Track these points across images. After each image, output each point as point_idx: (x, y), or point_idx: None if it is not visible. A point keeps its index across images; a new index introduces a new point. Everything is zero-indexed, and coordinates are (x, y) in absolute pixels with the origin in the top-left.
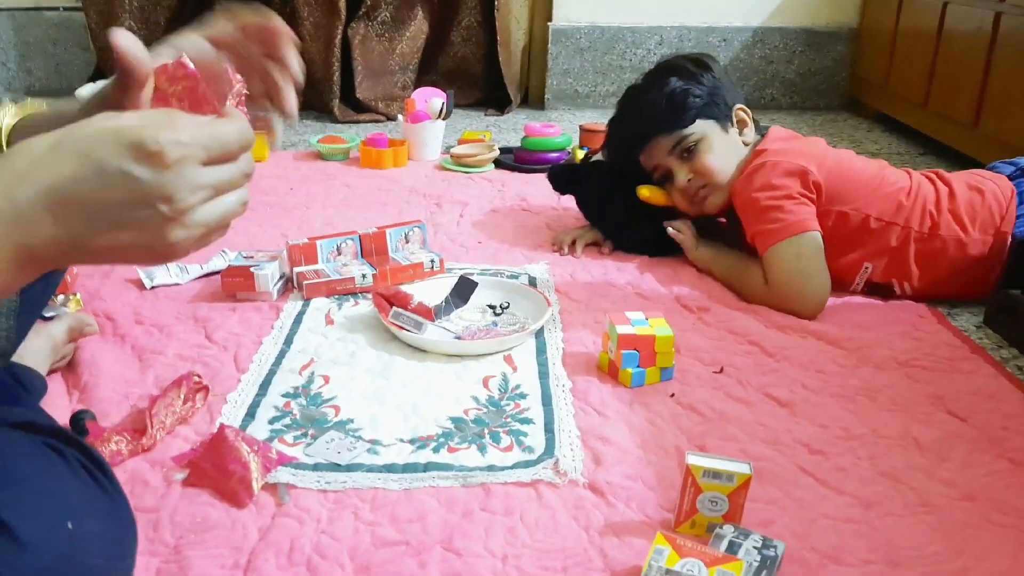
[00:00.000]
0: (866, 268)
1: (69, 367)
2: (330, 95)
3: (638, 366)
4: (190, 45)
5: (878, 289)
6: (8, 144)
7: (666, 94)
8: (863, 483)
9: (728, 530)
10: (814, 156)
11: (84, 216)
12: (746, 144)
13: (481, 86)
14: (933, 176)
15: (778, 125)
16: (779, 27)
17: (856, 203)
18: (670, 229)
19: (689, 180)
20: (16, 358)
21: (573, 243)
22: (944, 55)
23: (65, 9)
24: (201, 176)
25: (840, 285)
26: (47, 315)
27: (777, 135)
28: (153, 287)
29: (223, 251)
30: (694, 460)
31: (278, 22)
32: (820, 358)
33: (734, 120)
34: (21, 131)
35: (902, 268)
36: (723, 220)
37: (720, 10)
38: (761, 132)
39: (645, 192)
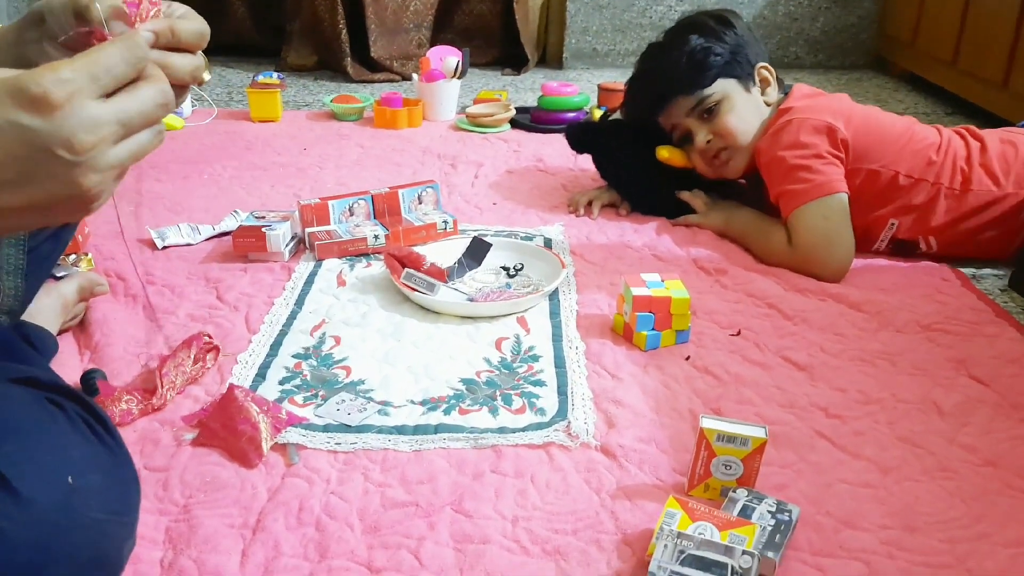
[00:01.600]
0: (892, 224)
1: (80, 327)
2: (341, 54)
3: (653, 328)
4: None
5: (902, 247)
6: None
7: (686, 52)
8: (881, 448)
9: (742, 494)
10: (841, 112)
11: None
12: (768, 104)
13: (498, 45)
14: (964, 131)
15: (802, 83)
16: None
17: (885, 160)
18: (684, 195)
19: (709, 141)
20: (27, 317)
21: (589, 204)
22: (974, 12)
23: None
24: (98, 111)
25: (864, 242)
26: (58, 275)
27: (801, 92)
28: (165, 247)
29: (235, 211)
30: (708, 423)
31: None
32: (840, 321)
33: (756, 79)
34: None
35: (929, 224)
36: (743, 180)
37: None
38: (785, 91)
39: (664, 153)
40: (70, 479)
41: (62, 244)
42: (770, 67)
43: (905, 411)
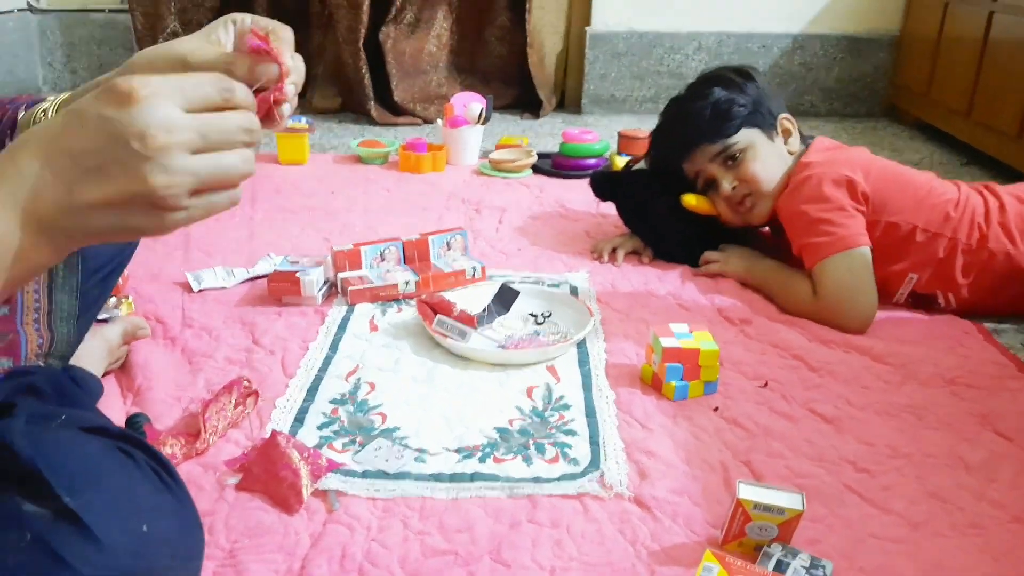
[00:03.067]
0: (911, 278)
1: (122, 369)
2: (364, 97)
3: (682, 379)
4: (187, 50)
5: (921, 301)
6: None
7: (711, 103)
8: (910, 502)
9: (776, 549)
10: (860, 165)
11: (71, 164)
12: (791, 153)
13: (516, 87)
14: (982, 188)
15: (817, 132)
16: (819, 34)
17: (904, 213)
18: (706, 254)
19: (734, 188)
20: (73, 360)
21: (613, 251)
22: (989, 64)
23: (111, 11)
24: (177, 117)
25: (883, 295)
26: (101, 317)
27: (821, 145)
28: (200, 290)
29: (269, 255)
30: (745, 493)
31: (276, 26)
32: (864, 374)
33: (779, 129)
34: (66, 105)
35: (948, 279)
36: (766, 230)
37: (760, 16)
38: (805, 142)
39: (691, 200)
40: (144, 527)
41: (109, 288)
42: (791, 118)
43: (932, 466)
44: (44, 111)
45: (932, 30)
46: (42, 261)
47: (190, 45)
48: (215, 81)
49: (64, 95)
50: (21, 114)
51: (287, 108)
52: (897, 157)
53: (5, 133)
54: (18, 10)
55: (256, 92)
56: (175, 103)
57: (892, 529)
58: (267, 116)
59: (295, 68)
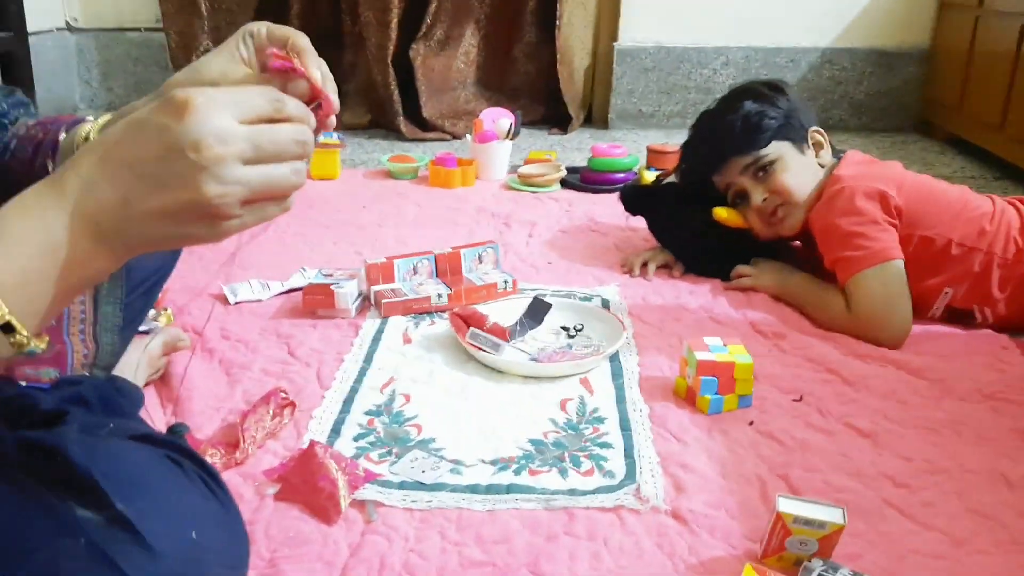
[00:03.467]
0: (946, 293)
1: (162, 380)
2: (394, 113)
3: (716, 393)
4: (218, 73)
5: (957, 315)
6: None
7: (741, 116)
8: (951, 519)
9: (817, 564)
10: (893, 179)
11: (129, 173)
12: (822, 166)
13: (544, 103)
14: (1017, 203)
15: (847, 147)
16: (848, 48)
17: (938, 227)
18: (737, 268)
19: (765, 200)
20: (115, 371)
21: (644, 265)
22: (1022, 76)
23: (146, 29)
24: (231, 128)
25: (919, 310)
26: (142, 329)
27: (854, 159)
28: (237, 303)
29: (303, 269)
30: (785, 506)
31: (299, 39)
32: (901, 388)
33: (810, 142)
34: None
35: (984, 294)
36: (798, 243)
37: (788, 31)
38: (837, 156)
39: (723, 213)
40: (194, 534)
41: (151, 300)
42: (822, 131)
43: (973, 482)
44: (87, 134)
45: (963, 43)
46: (100, 268)
47: (218, 67)
48: (267, 94)
49: (105, 117)
50: (62, 136)
51: (333, 119)
52: (929, 171)
53: (47, 154)
54: (57, 29)
55: None
56: (230, 114)
57: (934, 546)
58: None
59: (325, 75)
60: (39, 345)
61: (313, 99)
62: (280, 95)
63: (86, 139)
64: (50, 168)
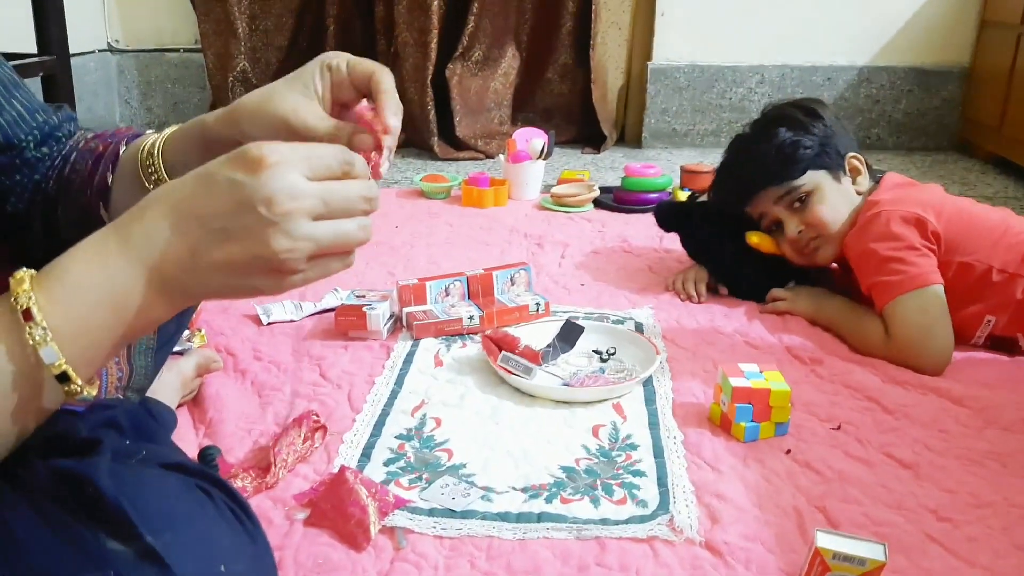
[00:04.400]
0: (988, 321)
1: (195, 401)
2: (428, 133)
3: (752, 420)
4: (290, 109)
5: (1001, 343)
6: (164, 155)
7: (775, 145)
8: (996, 555)
9: None
10: (932, 205)
11: (198, 225)
12: (860, 193)
13: (577, 123)
14: None
15: (885, 166)
16: (886, 66)
17: (978, 254)
18: (773, 291)
19: (800, 232)
20: (149, 392)
21: (695, 288)
22: None
23: (185, 51)
24: (303, 185)
25: (960, 338)
26: (176, 350)
27: (891, 182)
28: (270, 323)
29: (335, 289)
30: (824, 541)
31: (383, 77)
32: (943, 417)
33: (846, 169)
34: (172, 143)
35: None
36: (835, 267)
37: (824, 49)
38: (875, 179)
39: (755, 239)
40: (223, 567)
41: (184, 322)
42: (860, 156)
43: (1020, 517)
44: (151, 146)
45: (1005, 62)
46: (159, 316)
47: (292, 102)
48: (338, 154)
49: (171, 129)
50: (123, 148)
51: (385, 166)
52: (969, 191)
53: (107, 167)
54: (99, 51)
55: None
56: (300, 171)
57: None
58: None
59: (394, 129)
60: (91, 392)
61: (376, 148)
62: (351, 156)
63: (150, 153)
64: (109, 180)
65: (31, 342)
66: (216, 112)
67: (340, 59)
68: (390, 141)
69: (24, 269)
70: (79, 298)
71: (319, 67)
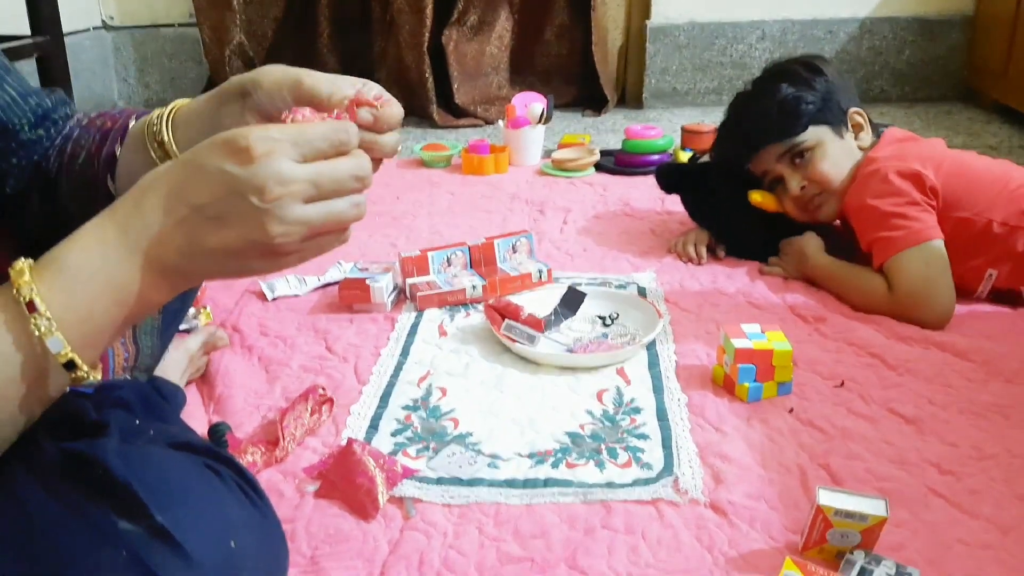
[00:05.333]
0: (990, 275)
1: (203, 378)
2: (427, 101)
3: (755, 380)
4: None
5: (1004, 295)
6: (175, 123)
7: (777, 101)
8: (999, 506)
9: (859, 556)
10: (931, 159)
11: (192, 212)
12: (862, 149)
13: (576, 85)
14: None
15: (889, 118)
16: (888, 17)
17: (977, 207)
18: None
19: (803, 188)
20: (157, 371)
21: (696, 250)
22: None
23: (180, 25)
24: (292, 170)
25: (962, 292)
26: (181, 328)
27: (892, 137)
28: (275, 299)
29: (339, 263)
30: (826, 499)
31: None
32: (946, 371)
33: (849, 124)
34: (184, 114)
35: None
36: (838, 223)
37: (825, 2)
38: (878, 133)
39: (757, 197)
40: (232, 543)
41: (189, 301)
42: (863, 112)
43: (1021, 468)
44: (160, 116)
45: (1009, 8)
46: (160, 299)
47: (313, 76)
48: (328, 133)
49: (180, 101)
50: (132, 122)
51: (392, 137)
52: (975, 141)
53: (116, 140)
54: (93, 28)
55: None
56: (289, 156)
57: (980, 535)
58: None
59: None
60: (97, 376)
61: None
62: (345, 133)
63: (156, 124)
64: (117, 152)
65: (37, 333)
66: (238, 77)
67: (371, 85)
68: (396, 112)
69: (23, 259)
70: (80, 286)
71: (351, 81)
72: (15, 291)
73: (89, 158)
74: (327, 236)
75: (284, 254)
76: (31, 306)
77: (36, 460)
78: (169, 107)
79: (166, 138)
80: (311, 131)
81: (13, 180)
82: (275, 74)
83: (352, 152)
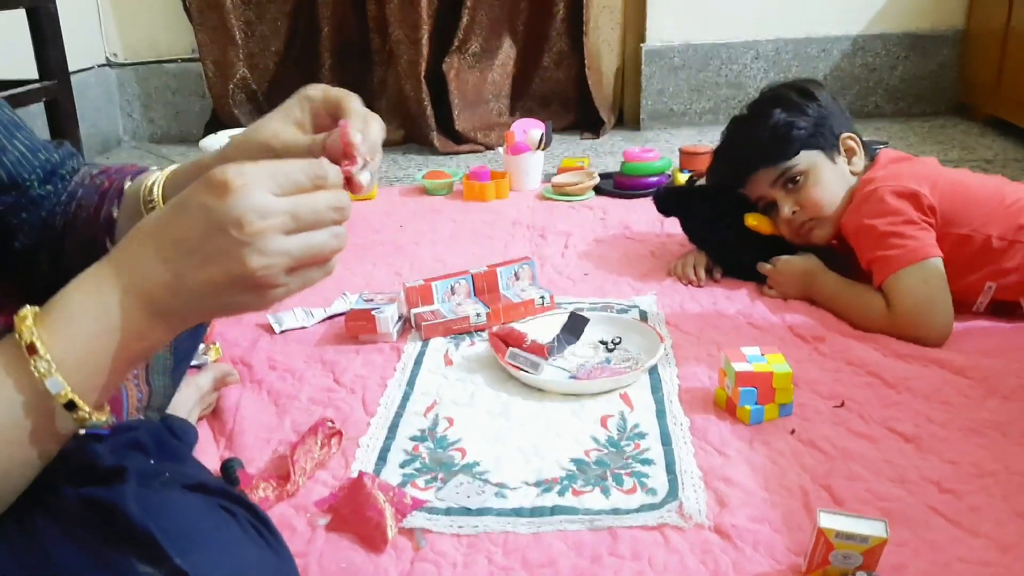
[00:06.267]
0: (989, 288)
1: (214, 414)
2: (427, 128)
3: (756, 403)
4: (270, 133)
5: (1003, 308)
6: (165, 191)
7: (770, 127)
8: (999, 524)
9: None
10: (926, 178)
11: (177, 251)
12: (855, 173)
13: (575, 109)
14: None
15: (884, 134)
16: (880, 33)
17: (974, 224)
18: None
19: (794, 213)
20: (169, 409)
21: (695, 272)
22: None
23: (183, 60)
24: (270, 203)
25: (961, 306)
26: (192, 364)
27: (886, 158)
28: (283, 331)
29: (344, 294)
30: (826, 521)
31: (350, 102)
32: (945, 388)
33: (842, 149)
34: (173, 179)
35: None
36: (835, 242)
37: (817, 20)
38: (871, 155)
39: (753, 221)
40: None
41: (199, 338)
42: (856, 137)
43: (1021, 484)
44: (153, 183)
45: (999, 23)
46: (156, 341)
47: (271, 129)
48: (306, 167)
49: (172, 167)
50: (128, 184)
51: (365, 177)
52: (970, 155)
53: (112, 202)
54: (98, 66)
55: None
56: (267, 189)
57: (981, 552)
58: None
59: (356, 144)
60: (100, 418)
61: (347, 156)
62: (321, 168)
63: (150, 189)
64: (114, 214)
65: (36, 374)
66: (212, 152)
67: (317, 90)
68: (366, 152)
69: (28, 307)
70: (78, 328)
71: (298, 99)
72: (17, 335)
73: (89, 219)
74: (311, 269)
75: (269, 287)
76: (31, 348)
77: (56, 507)
78: (168, 169)
79: (160, 205)
80: (288, 165)
81: (23, 236)
82: (238, 142)
83: (328, 184)
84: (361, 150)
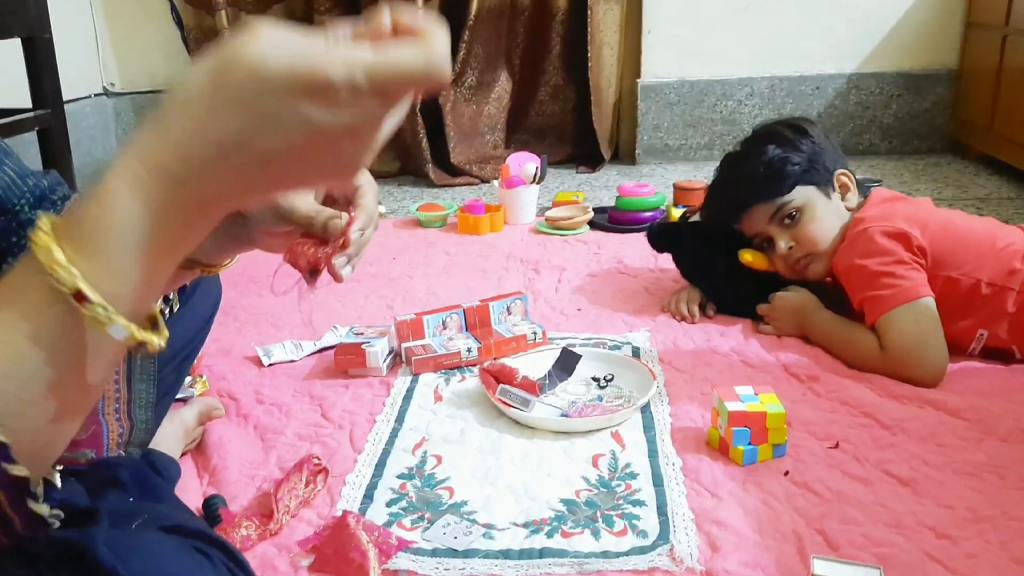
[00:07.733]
0: (981, 335)
1: (198, 449)
2: (422, 160)
3: (749, 443)
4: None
5: (996, 354)
6: None
7: (764, 162)
8: (996, 571)
9: None
10: (916, 219)
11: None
12: (849, 209)
13: (570, 142)
14: None
15: (879, 172)
16: (874, 72)
17: (964, 267)
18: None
19: (791, 248)
20: (152, 444)
21: (688, 308)
22: None
23: None
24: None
25: (954, 350)
26: (178, 396)
27: (879, 197)
28: (271, 364)
29: (335, 327)
30: (820, 569)
31: (366, 197)
32: (940, 430)
33: (836, 185)
34: None
35: (1022, 333)
36: (829, 280)
37: (812, 58)
38: (865, 193)
39: (748, 257)
40: None
41: (184, 373)
42: (849, 173)
43: (1018, 530)
44: None
45: (992, 63)
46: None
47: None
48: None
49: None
50: None
51: (346, 271)
52: (963, 194)
53: None
54: (94, 95)
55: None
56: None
57: None
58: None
59: (353, 240)
60: (160, 342)
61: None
62: None
63: None
64: None
65: (96, 323)
66: None
67: None
68: (352, 249)
69: (41, 224)
70: (119, 249)
71: None
72: (54, 280)
73: None
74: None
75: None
76: (80, 296)
77: (25, 549)
78: None
79: None
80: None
81: (13, 260)
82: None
83: None
84: (351, 250)
